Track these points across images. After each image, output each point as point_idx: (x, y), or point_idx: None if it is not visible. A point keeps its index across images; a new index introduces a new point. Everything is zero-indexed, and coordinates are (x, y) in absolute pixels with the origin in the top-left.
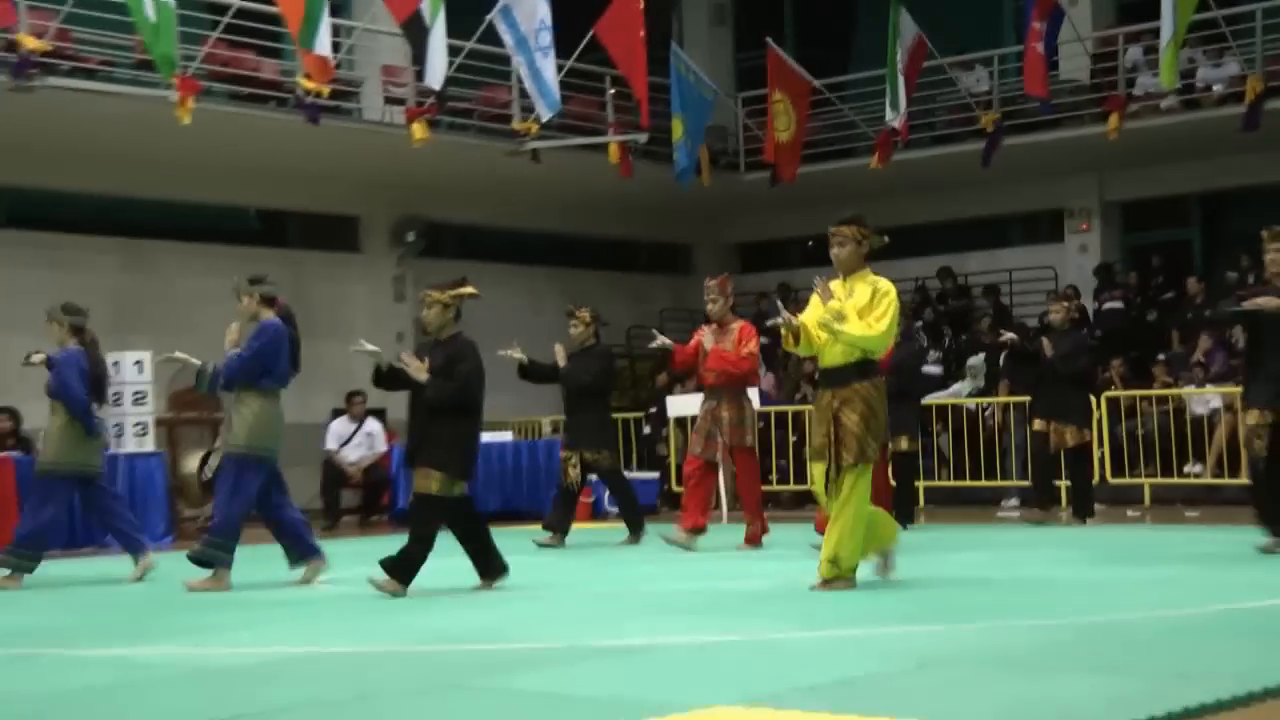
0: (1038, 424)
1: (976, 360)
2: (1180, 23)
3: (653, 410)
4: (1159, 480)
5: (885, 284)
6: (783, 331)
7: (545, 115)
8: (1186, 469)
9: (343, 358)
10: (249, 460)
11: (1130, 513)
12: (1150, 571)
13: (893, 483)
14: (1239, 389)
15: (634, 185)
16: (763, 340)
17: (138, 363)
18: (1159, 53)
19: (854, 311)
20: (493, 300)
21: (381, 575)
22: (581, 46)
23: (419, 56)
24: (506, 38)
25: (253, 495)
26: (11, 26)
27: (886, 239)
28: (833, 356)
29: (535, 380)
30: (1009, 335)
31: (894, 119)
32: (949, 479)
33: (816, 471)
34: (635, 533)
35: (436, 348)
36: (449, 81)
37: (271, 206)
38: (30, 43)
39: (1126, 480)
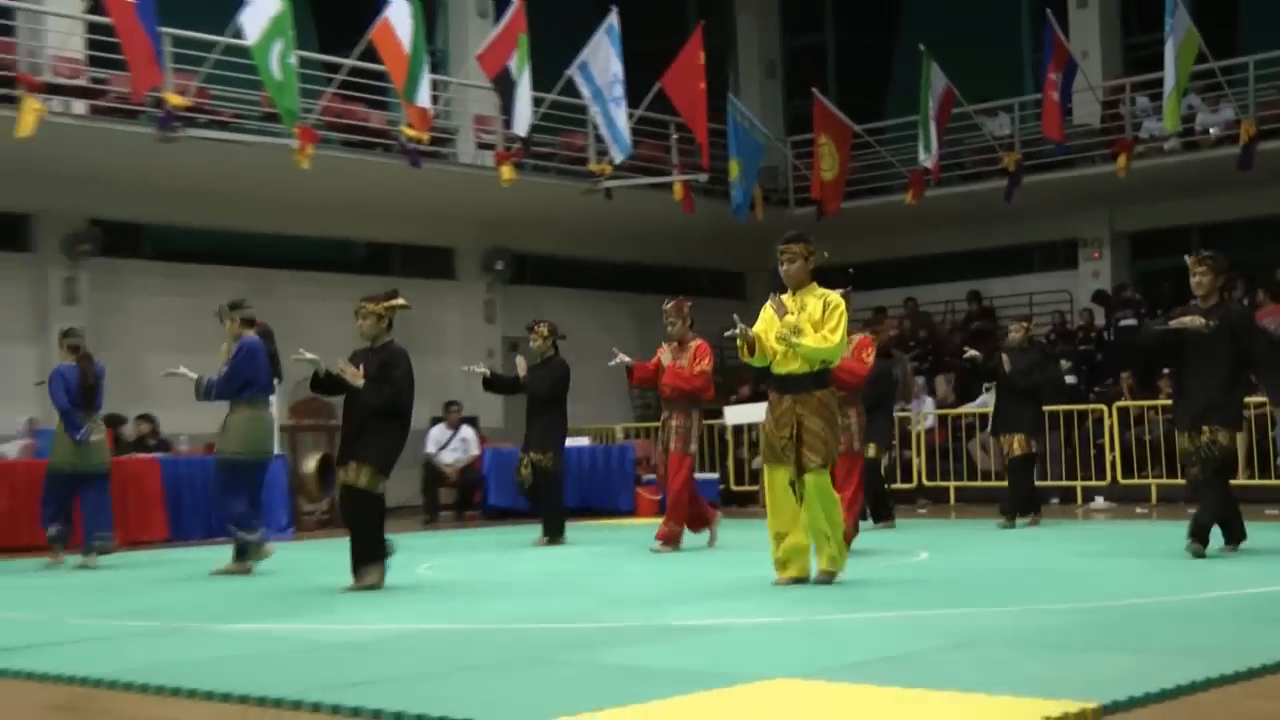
0: (1001, 438)
1: None
2: (1181, 73)
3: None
4: (1165, 481)
5: (834, 297)
6: (738, 342)
7: (617, 158)
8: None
9: (440, 372)
10: (240, 462)
11: (1139, 510)
12: (1158, 562)
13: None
14: None
15: (695, 219)
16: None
17: None
18: (1163, 100)
19: (808, 324)
20: (570, 322)
21: (357, 580)
22: (649, 97)
23: (507, 107)
24: (584, 90)
25: (252, 490)
26: (159, 86)
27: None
28: (790, 365)
29: (498, 391)
30: (973, 353)
31: (926, 159)
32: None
33: (778, 476)
34: (551, 535)
35: (371, 355)
36: (533, 129)
37: (378, 240)
38: (174, 100)
39: (1135, 481)
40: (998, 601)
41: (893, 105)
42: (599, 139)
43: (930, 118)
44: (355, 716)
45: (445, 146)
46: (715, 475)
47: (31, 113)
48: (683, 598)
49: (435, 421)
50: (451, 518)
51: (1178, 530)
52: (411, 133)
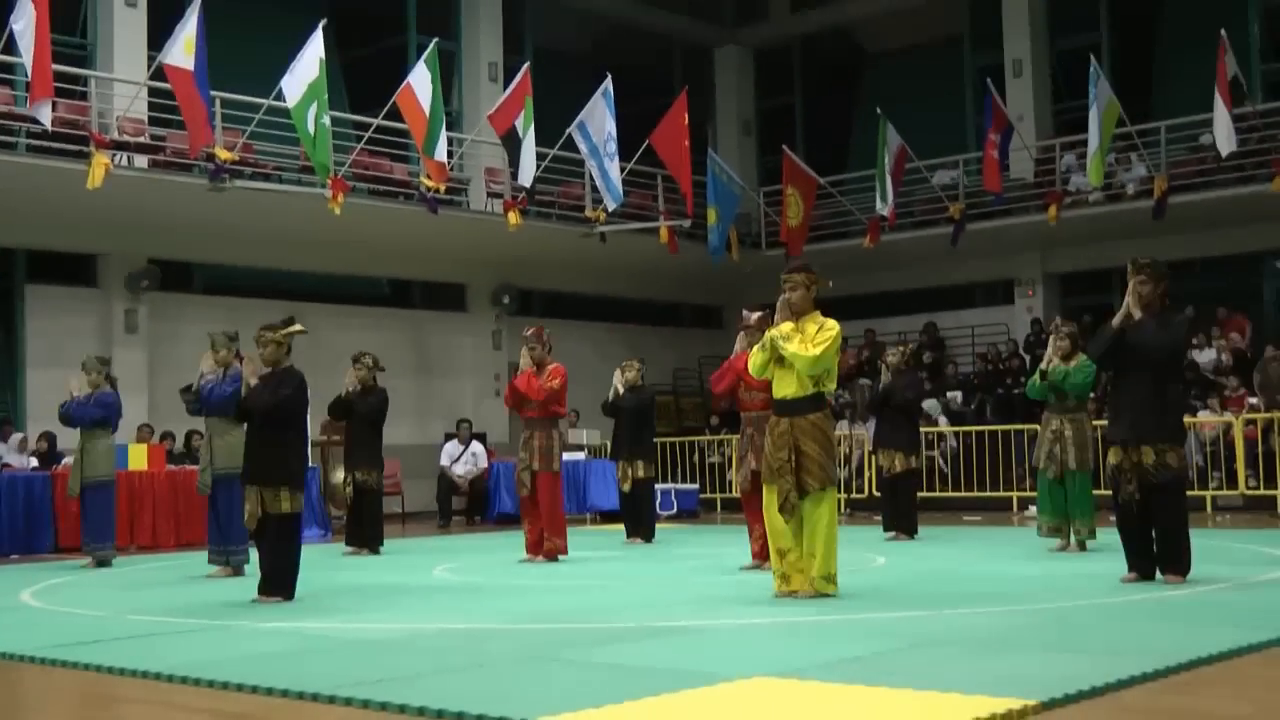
0: (881, 455)
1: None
2: (1104, 135)
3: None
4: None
5: (831, 323)
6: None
7: (611, 206)
8: None
9: (454, 393)
10: (238, 477)
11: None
12: (1095, 566)
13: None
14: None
15: (679, 259)
16: None
17: None
18: (1087, 158)
19: (799, 343)
20: (569, 349)
21: (268, 595)
22: (640, 152)
23: (514, 161)
24: (581, 146)
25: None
26: (210, 143)
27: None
28: (787, 388)
29: (338, 416)
30: (864, 381)
31: (883, 208)
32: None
33: (772, 497)
34: (368, 545)
35: (272, 377)
36: (536, 180)
37: (399, 276)
38: (223, 154)
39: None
40: (949, 604)
41: (853, 160)
42: (595, 189)
43: (886, 171)
44: (383, 710)
45: (459, 195)
46: (695, 486)
47: (100, 166)
48: (669, 601)
49: (449, 437)
50: (462, 523)
51: (1105, 536)
52: (430, 183)
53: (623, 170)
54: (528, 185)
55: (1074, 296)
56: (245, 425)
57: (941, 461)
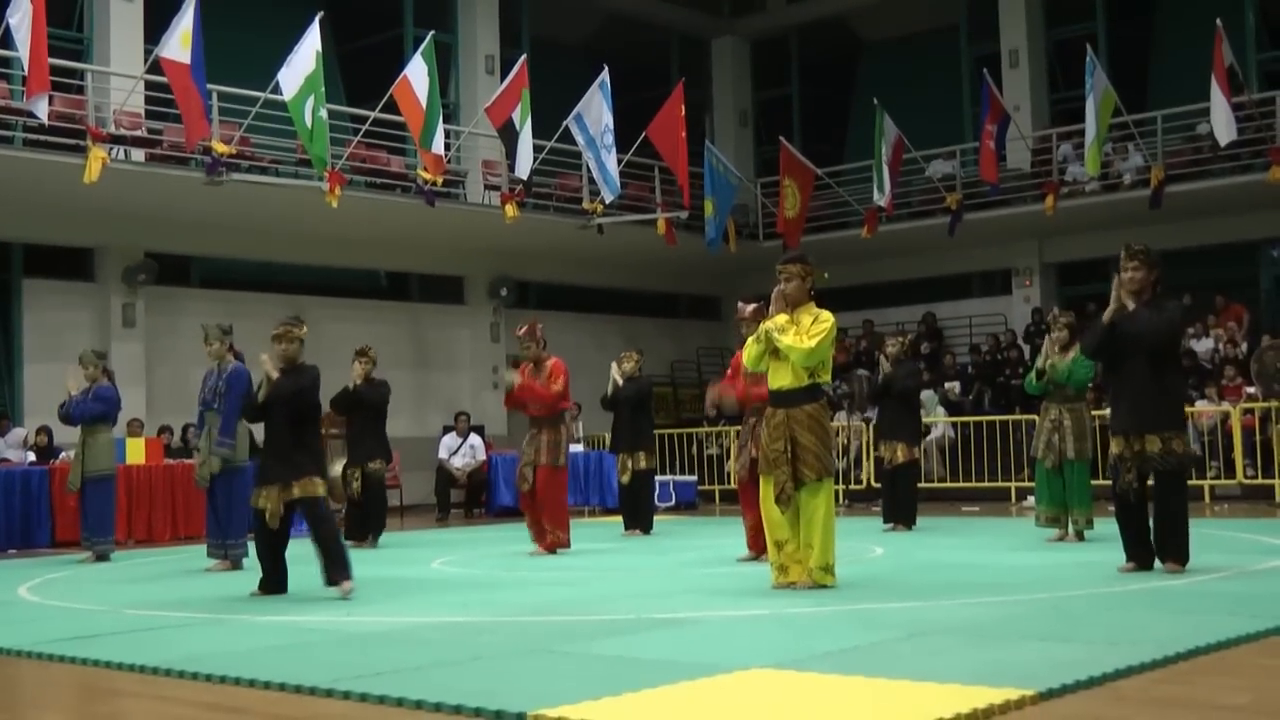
0: (883, 446)
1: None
2: (1101, 125)
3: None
4: (1099, 483)
5: (826, 314)
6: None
7: (608, 198)
8: None
9: (452, 386)
10: (244, 471)
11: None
12: (1093, 556)
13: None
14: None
15: (676, 251)
16: None
17: None
18: (1084, 148)
19: (793, 335)
20: (567, 341)
21: (338, 586)
22: (637, 144)
23: (511, 153)
24: (578, 138)
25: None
26: (207, 137)
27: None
28: (782, 380)
29: (343, 410)
30: (863, 372)
31: (880, 199)
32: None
33: (768, 488)
34: (371, 534)
35: (292, 372)
36: (534, 172)
37: (397, 269)
38: (220, 148)
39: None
40: (945, 595)
41: (850, 151)
42: (592, 181)
43: (884, 162)
44: (381, 703)
45: (456, 188)
46: (693, 477)
47: (97, 161)
48: (667, 592)
49: (447, 430)
50: (461, 516)
51: (1103, 526)
52: (427, 176)
53: (620, 162)
54: (525, 177)
55: (1071, 286)
56: (245, 425)
57: (937, 453)
